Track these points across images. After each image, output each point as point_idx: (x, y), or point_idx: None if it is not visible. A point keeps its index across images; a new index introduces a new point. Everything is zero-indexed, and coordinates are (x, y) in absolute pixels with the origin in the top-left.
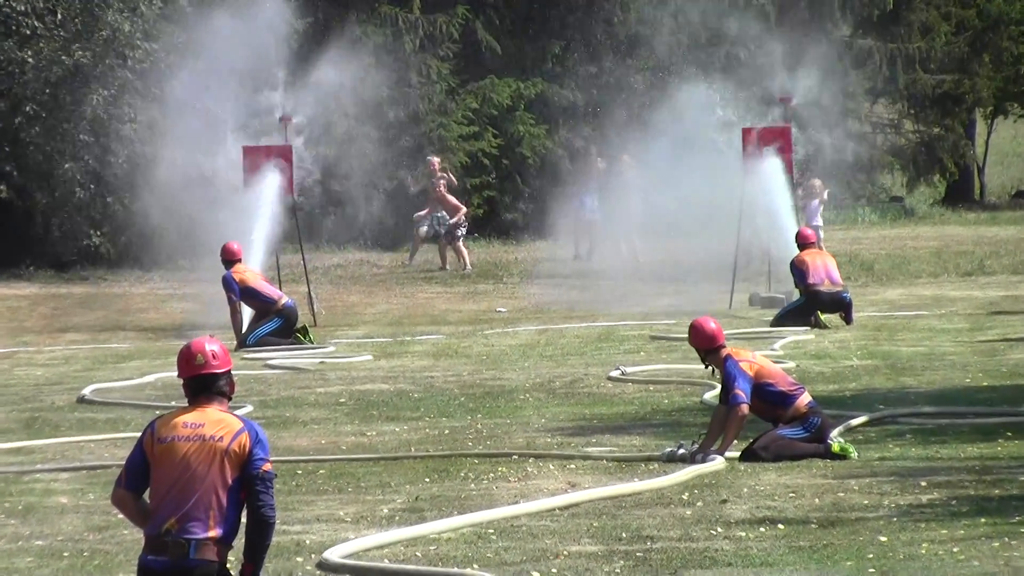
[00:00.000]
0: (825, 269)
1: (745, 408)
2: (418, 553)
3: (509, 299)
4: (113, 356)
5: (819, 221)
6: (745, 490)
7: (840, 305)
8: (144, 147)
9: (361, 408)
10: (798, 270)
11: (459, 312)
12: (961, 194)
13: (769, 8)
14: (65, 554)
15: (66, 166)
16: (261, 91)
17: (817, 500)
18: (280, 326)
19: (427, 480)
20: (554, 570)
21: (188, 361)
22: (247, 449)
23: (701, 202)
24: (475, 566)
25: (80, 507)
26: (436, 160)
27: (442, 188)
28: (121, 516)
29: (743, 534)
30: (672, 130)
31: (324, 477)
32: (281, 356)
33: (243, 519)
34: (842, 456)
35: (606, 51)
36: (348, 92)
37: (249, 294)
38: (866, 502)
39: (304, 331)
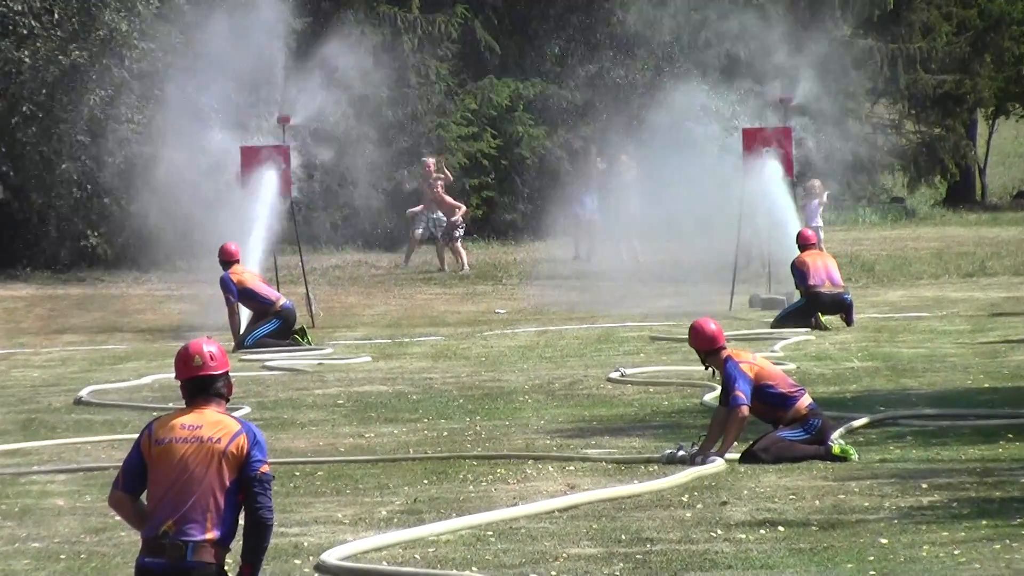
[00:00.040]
0: (826, 270)
1: (745, 410)
2: (416, 555)
3: (508, 300)
4: (110, 357)
5: (819, 222)
6: (745, 492)
7: (841, 306)
8: (141, 147)
9: (359, 410)
10: (799, 271)
11: (458, 313)
12: (962, 195)
13: (769, 7)
14: (62, 556)
15: (63, 166)
16: (259, 91)
17: (818, 502)
18: (278, 327)
19: (425, 482)
20: (553, 572)
21: (186, 363)
22: (245, 451)
23: (701, 203)
24: (474, 568)
25: (77, 509)
26: (431, 161)
27: (439, 189)
28: (118, 518)
29: (743, 536)
30: (672, 130)
31: (322, 479)
32: (279, 357)
33: (241, 521)
34: (843, 458)
35: (606, 51)
36: (346, 92)
37: (247, 295)
38: (867, 504)
39: (302, 332)
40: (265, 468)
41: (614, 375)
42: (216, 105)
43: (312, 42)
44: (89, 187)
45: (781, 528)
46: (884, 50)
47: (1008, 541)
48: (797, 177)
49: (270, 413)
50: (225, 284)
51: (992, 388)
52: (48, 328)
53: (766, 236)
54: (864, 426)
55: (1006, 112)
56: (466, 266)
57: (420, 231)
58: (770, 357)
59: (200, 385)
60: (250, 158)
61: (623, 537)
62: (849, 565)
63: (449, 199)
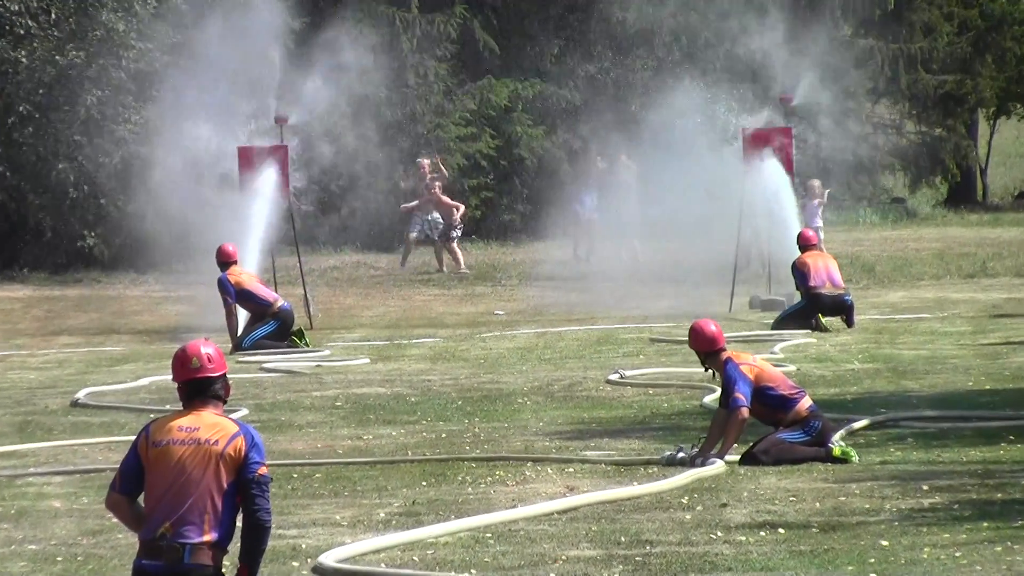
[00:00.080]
0: (827, 271)
1: (745, 412)
2: (415, 557)
3: (507, 301)
4: (107, 359)
5: (819, 222)
6: (745, 494)
7: (842, 308)
8: (139, 148)
9: (357, 411)
10: (799, 272)
11: (456, 315)
12: (963, 195)
13: (770, 7)
14: (59, 559)
15: (60, 167)
16: (256, 91)
17: (818, 504)
18: (276, 329)
19: (424, 484)
20: (552, 574)
21: (183, 364)
22: (243, 453)
23: (701, 203)
24: (473, 571)
25: (74, 511)
26: (426, 162)
27: (437, 190)
28: (115, 520)
29: (743, 538)
30: (671, 130)
31: (320, 481)
32: (277, 359)
33: (238, 523)
34: (843, 460)
35: (605, 51)
36: (344, 92)
37: (245, 296)
38: (867, 506)
39: (300, 334)
40: (263, 470)
41: (613, 377)
42: (213, 105)
43: (310, 42)
44: (86, 188)
45: (781, 530)
46: (885, 50)
47: (1009, 543)
48: (797, 177)
49: (268, 415)
50: (223, 285)
51: (993, 390)
52: (45, 329)
53: (766, 236)
54: (865, 428)
55: (1007, 112)
56: (463, 266)
57: (415, 233)
58: (770, 359)
59: (198, 387)
60: (247, 158)
61: (622, 539)
62: (850, 567)
63: (447, 199)
